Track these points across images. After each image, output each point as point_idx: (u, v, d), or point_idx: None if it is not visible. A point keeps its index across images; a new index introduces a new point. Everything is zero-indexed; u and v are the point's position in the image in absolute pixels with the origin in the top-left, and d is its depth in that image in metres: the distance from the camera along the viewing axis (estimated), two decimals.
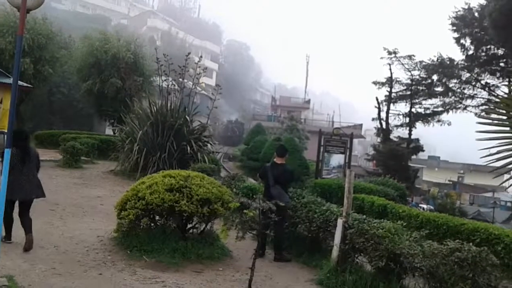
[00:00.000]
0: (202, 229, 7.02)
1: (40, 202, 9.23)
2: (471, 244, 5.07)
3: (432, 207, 25.43)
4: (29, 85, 18.75)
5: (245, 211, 5.19)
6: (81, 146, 15.40)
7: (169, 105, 15.29)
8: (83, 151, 15.47)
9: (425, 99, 33.48)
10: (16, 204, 6.31)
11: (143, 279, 5.51)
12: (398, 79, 33.30)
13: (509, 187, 11.45)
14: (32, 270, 5.38)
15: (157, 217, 6.88)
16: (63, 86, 28.60)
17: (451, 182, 44.21)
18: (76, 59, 24.51)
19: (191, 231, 7.00)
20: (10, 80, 15.68)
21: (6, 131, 4.88)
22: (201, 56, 18.39)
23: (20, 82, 15.80)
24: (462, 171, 48.24)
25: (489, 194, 36.92)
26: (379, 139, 33.81)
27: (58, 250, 6.28)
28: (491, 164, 6.83)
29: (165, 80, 15.65)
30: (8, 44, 20.86)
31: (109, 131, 26.99)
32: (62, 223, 7.83)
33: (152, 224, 6.85)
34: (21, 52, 4.71)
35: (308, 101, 63.16)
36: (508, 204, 32.94)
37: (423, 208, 22.87)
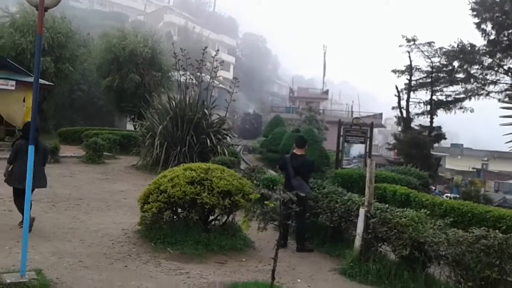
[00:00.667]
0: (224, 221, 7.08)
1: (65, 197, 9.49)
2: (497, 231, 4.99)
3: (456, 195, 25.08)
4: (50, 83, 19.13)
5: (266, 202, 5.20)
6: (103, 142, 15.64)
7: (187, 99, 15.37)
8: (105, 146, 15.71)
9: (446, 86, 32.84)
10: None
11: (167, 271, 5.59)
12: (418, 67, 32.73)
13: None
14: (60, 263, 5.51)
15: (179, 210, 6.95)
16: (84, 84, 29.06)
17: (475, 170, 43.45)
18: (95, 57, 24.87)
19: (213, 223, 7.07)
20: (32, 79, 16.02)
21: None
22: (218, 50, 18.45)
23: (41, 81, 16.16)
24: (486, 158, 47.27)
25: None
26: (399, 128, 33.36)
27: (84, 244, 6.41)
28: None
29: (183, 74, 15.74)
30: (28, 43, 21.25)
31: (130, 126, 27.32)
32: (87, 217, 7.99)
33: (175, 217, 6.93)
34: (40, 51, 4.79)
35: (326, 92, 62.73)
36: None
37: (448, 197, 22.57)
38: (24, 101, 17.02)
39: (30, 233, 5.84)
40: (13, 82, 16.28)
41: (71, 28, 24.35)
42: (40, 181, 6.76)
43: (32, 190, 6.26)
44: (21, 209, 6.48)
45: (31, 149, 4.76)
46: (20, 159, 6.48)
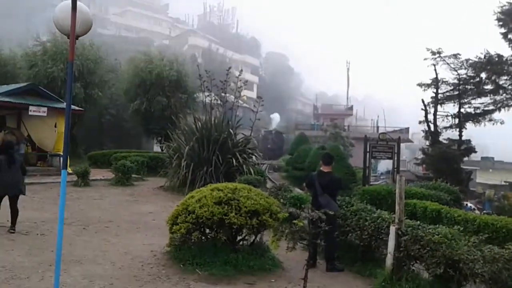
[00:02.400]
0: (252, 240, 7.04)
1: (95, 219, 9.65)
2: None
3: (489, 211, 24.26)
4: (80, 109, 19.68)
5: (294, 221, 5.16)
6: (131, 164, 15.91)
7: (213, 119, 15.55)
8: (133, 169, 15.97)
9: (474, 98, 32.10)
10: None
11: None
12: (444, 79, 32.16)
13: None
14: (91, 286, 5.58)
15: (207, 230, 6.96)
16: (112, 108, 29.78)
17: (507, 183, 42.04)
18: (122, 81, 25.56)
19: (241, 243, 7.04)
20: (63, 105, 16.53)
21: (61, 153, 5.15)
22: (241, 70, 18.63)
23: (72, 106, 16.62)
24: None
25: None
26: (427, 142, 32.68)
27: (114, 266, 6.48)
28: None
29: (208, 95, 15.96)
30: (60, 71, 22.04)
31: (157, 148, 27.76)
32: (117, 240, 8.09)
33: (203, 237, 6.94)
34: (72, 77, 4.95)
35: (351, 107, 62.41)
36: None
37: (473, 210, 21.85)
38: (55, 126, 17.54)
39: (62, 256, 5.94)
40: (45, 109, 16.82)
41: (100, 54, 25.13)
42: (19, 187, 8.25)
43: (13, 196, 8.19)
44: (12, 215, 8.12)
45: (63, 173, 4.88)
46: (2, 170, 7.96)
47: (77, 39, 5.14)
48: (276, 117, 52.43)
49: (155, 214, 10.81)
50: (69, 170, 14.58)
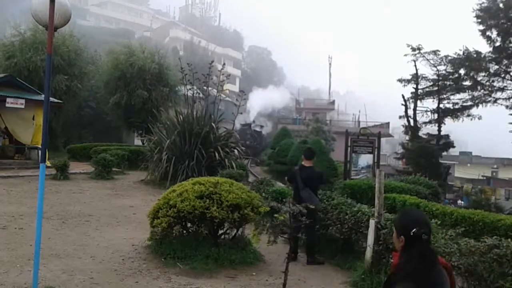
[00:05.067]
0: (233, 234, 7.07)
1: (75, 213, 9.54)
2: (509, 240, 4.93)
3: (462, 203, 24.82)
4: (60, 101, 19.33)
5: (275, 215, 5.20)
6: (111, 158, 15.73)
7: (194, 113, 15.48)
8: (114, 162, 15.80)
9: (453, 94, 32.69)
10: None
11: (178, 286, 5.58)
12: (424, 75, 32.63)
13: None
14: (71, 280, 5.53)
15: (189, 224, 6.96)
16: (92, 100, 29.35)
17: (484, 178, 43.01)
18: (103, 73, 25.15)
19: (222, 237, 7.06)
20: (41, 97, 16.22)
21: (40, 146, 5.07)
22: (224, 64, 18.57)
23: (51, 99, 16.34)
24: (495, 166, 46.83)
25: None
26: (407, 137, 33.18)
27: (95, 260, 6.43)
28: None
29: (190, 89, 15.86)
30: (41, 61, 21.50)
31: (138, 141, 27.49)
32: (97, 234, 8.02)
33: (185, 231, 6.94)
34: (51, 69, 4.87)
35: (333, 102, 62.72)
36: None
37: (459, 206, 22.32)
38: (33, 119, 17.22)
39: (41, 250, 5.87)
40: (23, 101, 16.47)
41: (80, 45, 24.68)
42: None
43: None
44: None
45: (42, 167, 4.81)
46: None
47: (56, 31, 5.05)
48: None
49: (136, 208, 10.74)
50: (48, 163, 14.31)
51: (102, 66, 26.02)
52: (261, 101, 39.96)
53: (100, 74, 25.85)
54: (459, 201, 26.31)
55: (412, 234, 2.33)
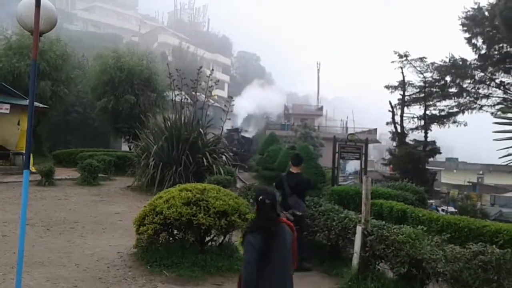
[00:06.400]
0: (220, 241, 7.02)
1: (60, 220, 9.41)
2: (494, 246, 4.97)
3: (452, 209, 25.02)
4: (45, 106, 19.13)
5: None
6: (98, 164, 15.58)
7: (182, 119, 15.42)
8: (100, 168, 15.65)
9: (439, 101, 33.11)
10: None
11: None
12: (410, 82, 33.02)
13: None
14: None
15: (175, 231, 6.90)
16: (78, 105, 29.11)
17: (470, 184, 43.47)
18: (90, 78, 24.95)
19: (209, 244, 7.01)
20: (26, 102, 16.01)
21: (24, 152, 5.00)
22: (212, 69, 18.57)
23: (36, 104, 16.17)
24: (481, 172, 47.38)
25: (511, 194, 36.17)
26: (394, 143, 33.47)
27: (79, 268, 6.33)
28: (511, 164, 6.71)
29: (178, 94, 15.80)
30: (27, 67, 21.28)
31: (125, 147, 27.27)
32: (82, 241, 7.91)
33: (171, 238, 6.87)
34: (36, 75, 4.81)
35: (321, 108, 63.03)
36: None
37: (445, 211, 22.52)
38: (18, 124, 17.00)
39: (25, 258, 5.77)
40: (8, 106, 16.26)
41: (67, 50, 24.47)
42: None
43: None
44: None
45: (25, 173, 4.74)
46: None
47: (41, 36, 4.99)
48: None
49: (122, 214, 10.62)
50: (33, 169, 14.15)
51: (90, 71, 25.82)
52: (252, 102, 39.21)
53: (87, 79, 25.65)
54: (447, 207, 26.56)
55: (259, 200, 3.25)
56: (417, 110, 33.15)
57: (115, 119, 23.77)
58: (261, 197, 3.25)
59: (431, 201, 23.85)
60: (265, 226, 3.15)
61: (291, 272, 3.31)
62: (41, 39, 4.93)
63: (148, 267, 6.36)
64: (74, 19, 67.49)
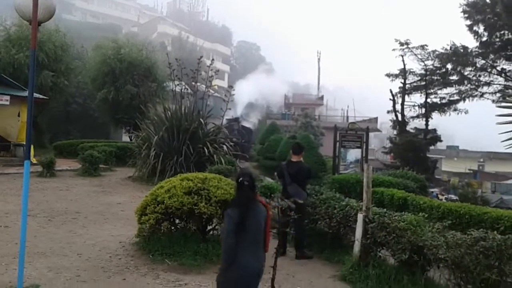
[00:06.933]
0: None
1: (62, 211, 9.43)
2: (495, 232, 4.98)
3: (454, 197, 25.04)
4: (45, 97, 19.08)
5: None
6: (99, 154, 15.60)
7: (183, 109, 15.39)
8: (101, 159, 15.66)
9: (440, 89, 32.94)
10: None
11: (166, 283, 5.55)
12: (411, 70, 32.83)
13: None
14: (57, 278, 5.47)
15: (177, 221, 6.92)
16: (79, 96, 29.02)
17: (471, 171, 43.51)
18: (89, 69, 24.84)
19: (211, 232, 7.04)
20: (26, 93, 15.98)
21: (24, 143, 4.99)
22: (212, 59, 18.46)
23: (36, 95, 16.13)
24: (482, 160, 47.39)
25: (511, 181, 36.22)
26: (395, 132, 33.39)
27: (81, 258, 6.36)
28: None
29: (178, 84, 15.75)
30: (26, 58, 21.16)
31: (125, 138, 27.24)
32: (84, 231, 7.94)
33: (173, 228, 6.90)
34: (34, 65, 4.78)
35: (322, 97, 62.87)
36: None
37: (447, 199, 22.55)
38: (19, 115, 16.98)
39: (27, 248, 5.80)
40: (8, 97, 16.24)
41: (66, 41, 24.33)
42: None
43: None
44: None
45: (26, 164, 4.74)
46: None
47: (40, 25, 4.96)
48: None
49: (123, 204, 10.65)
50: (34, 160, 14.17)
51: (89, 62, 25.68)
52: (254, 88, 38.19)
53: (87, 70, 25.53)
54: (448, 195, 26.59)
55: (239, 181, 3.67)
56: (418, 98, 33.01)
57: (116, 110, 23.71)
58: (240, 179, 3.68)
59: (432, 189, 23.90)
60: (243, 203, 3.60)
61: (263, 247, 3.83)
62: (40, 30, 4.90)
63: (150, 256, 6.39)
64: (73, 10, 67.01)
